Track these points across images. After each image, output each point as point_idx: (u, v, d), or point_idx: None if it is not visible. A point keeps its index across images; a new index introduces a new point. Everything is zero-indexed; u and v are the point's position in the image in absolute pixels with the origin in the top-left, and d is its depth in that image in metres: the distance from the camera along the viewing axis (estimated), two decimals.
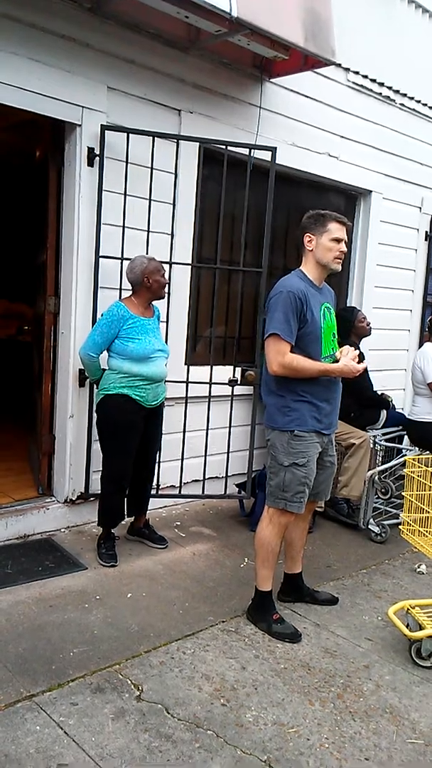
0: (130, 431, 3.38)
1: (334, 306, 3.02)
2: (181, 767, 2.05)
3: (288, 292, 2.73)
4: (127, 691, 2.40)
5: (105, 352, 3.40)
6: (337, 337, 2.99)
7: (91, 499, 3.83)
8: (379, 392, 4.79)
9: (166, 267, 3.63)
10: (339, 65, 4.69)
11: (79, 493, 3.84)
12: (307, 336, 2.78)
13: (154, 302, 3.50)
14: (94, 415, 3.52)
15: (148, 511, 3.79)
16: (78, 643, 2.68)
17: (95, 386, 3.53)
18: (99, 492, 3.60)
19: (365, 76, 5.08)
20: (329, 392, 2.88)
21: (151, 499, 3.80)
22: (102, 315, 3.39)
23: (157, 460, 3.79)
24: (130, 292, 3.45)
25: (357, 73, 5.01)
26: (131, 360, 3.31)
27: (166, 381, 3.53)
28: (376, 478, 4.21)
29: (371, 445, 4.33)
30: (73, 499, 3.83)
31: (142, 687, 2.44)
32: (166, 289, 3.52)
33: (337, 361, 2.88)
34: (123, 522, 3.65)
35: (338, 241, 2.81)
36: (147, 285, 3.36)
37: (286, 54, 3.91)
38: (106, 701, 2.34)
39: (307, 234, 2.84)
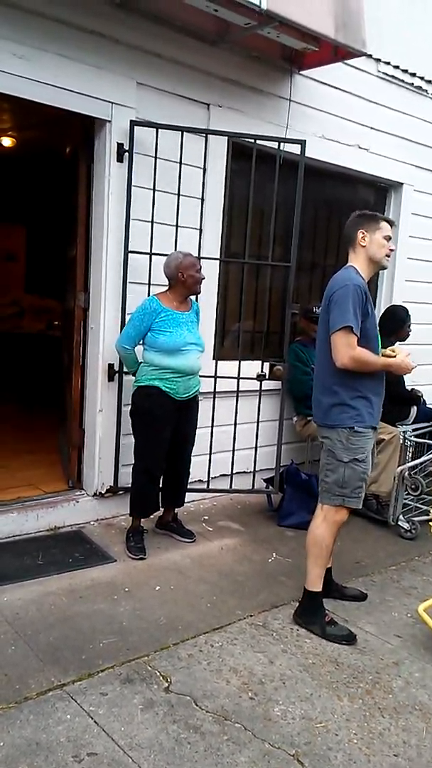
0: (160, 422, 3.40)
1: None
2: (210, 759, 2.07)
3: (355, 285, 2.76)
4: (155, 683, 2.43)
5: (141, 346, 3.43)
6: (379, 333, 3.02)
7: (120, 492, 3.86)
8: (410, 388, 4.73)
9: None
10: (370, 56, 4.62)
11: (109, 486, 3.88)
12: (368, 330, 2.82)
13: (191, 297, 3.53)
14: (126, 406, 3.55)
15: None
16: (107, 633, 2.72)
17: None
18: (128, 486, 3.64)
19: (396, 67, 5.01)
20: (380, 387, 2.94)
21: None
22: (136, 309, 3.42)
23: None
24: (166, 287, 3.48)
25: (388, 63, 4.94)
26: (162, 352, 3.33)
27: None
28: (406, 474, 4.16)
29: (401, 441, 4.28)
30: (103, 492, 3.87)
31: (171, 679, 2.46)
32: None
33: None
34: (151, 516, 3.68)
35: (388, 239, 2.91)
36: (182, 280, 3.39)
37: (316, 46, 3.87)
38: (135, 692, 2.36)
39: (361, 230, 2.88)
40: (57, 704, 2.26)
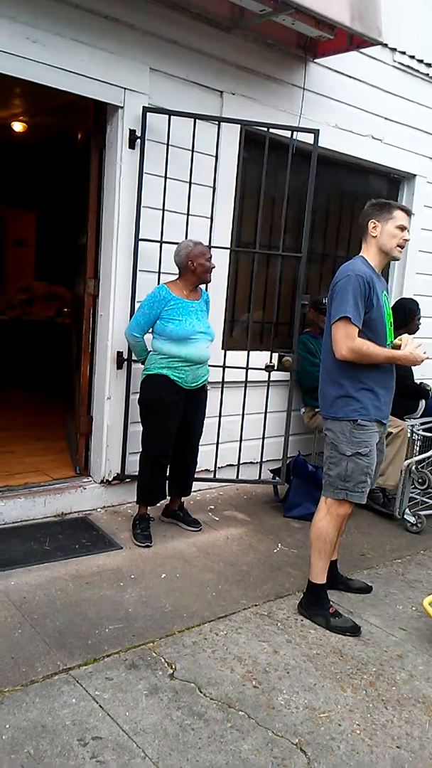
0: (168, 411, 3.40)
1: None
2: (213, 746, 2.08)
3: (356, 275, 2.70)
4: (160, 669, 2.44)
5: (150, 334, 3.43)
6: (393, 325, 2.96)
7: (127, 480, 3.88)
8: (419, 382, 4.71)
9: None
10: (385, 45, 4.57)
11: (116, 473, 3.89)
12: (373, 321, 2.75)
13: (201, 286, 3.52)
14: (135, 394, 3.55)
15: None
16: (113, 620, 2.73)
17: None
18: (135, 474, 3.65)
19: (412, 57, 4.95)
20: (389, 380, 2.86)
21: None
22: (146, 297, 3.42)
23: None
24: (177, 275, 3.47)
25: (404, 53, 4.88)
26: (171, 340, 3.33)
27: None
28: (413, 467, 4.15)
29: (408, 435, 4.27)
30: (110, 479, 3.89)
31: (176, 665, 2.47)
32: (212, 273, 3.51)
33: (397, 348, 2.85)
34: (158, 504, 3.69)
35: (402, 228, 2.82)
36: (191, 268, 3.38)
37: (332, 34, 3.83)
38: (140, 677, 2.38)
39: (372, 220, 2.82)
40: (63, 688, 2.28)
